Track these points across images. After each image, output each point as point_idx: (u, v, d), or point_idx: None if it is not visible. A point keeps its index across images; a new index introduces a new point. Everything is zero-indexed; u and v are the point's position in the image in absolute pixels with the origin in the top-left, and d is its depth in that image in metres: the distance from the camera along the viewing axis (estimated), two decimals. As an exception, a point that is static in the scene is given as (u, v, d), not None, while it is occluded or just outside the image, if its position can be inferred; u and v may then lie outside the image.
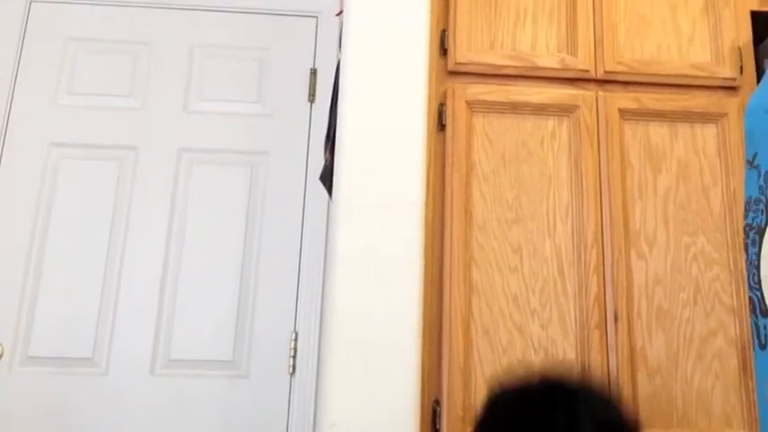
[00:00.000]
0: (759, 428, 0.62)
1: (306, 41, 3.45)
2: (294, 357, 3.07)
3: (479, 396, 2.08)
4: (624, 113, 2.36)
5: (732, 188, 2.31)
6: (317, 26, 3.47)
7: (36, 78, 3.33)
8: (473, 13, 2.41)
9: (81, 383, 3.00)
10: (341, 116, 2.33)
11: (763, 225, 0.66)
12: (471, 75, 2.38)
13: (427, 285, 2.19)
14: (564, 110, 2.35)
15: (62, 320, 3.05)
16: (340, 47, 2.57)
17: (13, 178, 3.18)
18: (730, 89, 2.43)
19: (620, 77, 2.41)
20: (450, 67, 2.37)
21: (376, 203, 2.23)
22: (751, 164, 0.68)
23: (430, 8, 2.41)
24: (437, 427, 2.08)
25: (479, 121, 2.32)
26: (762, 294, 0.64)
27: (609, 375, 2.15)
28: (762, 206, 0.66)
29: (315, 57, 3.43)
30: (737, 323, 2.21)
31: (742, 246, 2.18)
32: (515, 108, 2.34)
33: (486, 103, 2.33)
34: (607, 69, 2.40)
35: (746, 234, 0.66)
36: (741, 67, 2.43)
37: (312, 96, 3.36)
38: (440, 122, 2.33)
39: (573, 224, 2.26)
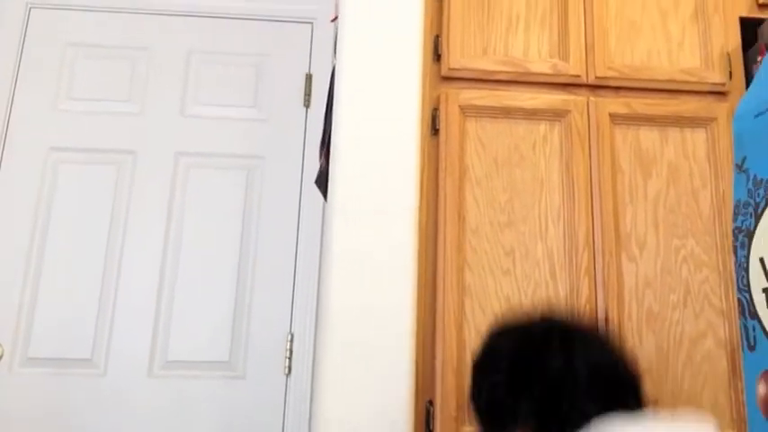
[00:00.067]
0: (748, 429, 0.62)
1: (301, 47, 3.45)
2: (290, 358, 3.06)
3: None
4: (615, 118, 2.36)
5: (721, 192, 2.31)
6: (312, 32, 3.46)
7: (36, 83, 3.32)
8: (466, 19, 2.41)
9: (80, 384, 2.99)
10: (336, 121, 2.32)
11: (751, 228, 0.65)
12: (464, 80, 2.37)
13: (421, 288, 2.19)
14: (556, 115, 2.35)
15: (61, 322, 3.04)
16: (335, 52, 2.57)
17: (13, 182, 3.17)
18: (720, 94, 2.43)
19: (611, 83, 2.40)
20: (444, 72, 2.37)
21: (370, 207, 2.22)
22: (740, 168, 0.67)
23: (423, 14, 2.41)
24: (431, 427, 2.07)
25: (472, 126, 2.32)
26: (750, 296, 0.63)
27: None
28: (750, 209, 0.65)
29: (310, 62, 3.42)
30: (727, 325, 2.21)
31: (731, 248, 2.18)
32: (508, 113, 2.33)
33: (478, 107, 2.33)
34: (598, 75, 2.39)
35: (735, 237, 0.66)
36: (730, 73, 2.43)
37: (307, 101, 3.36)
38: (433, 127, 2.32)
39: (564, 227, 2.26)
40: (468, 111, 2.32)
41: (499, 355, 1.51)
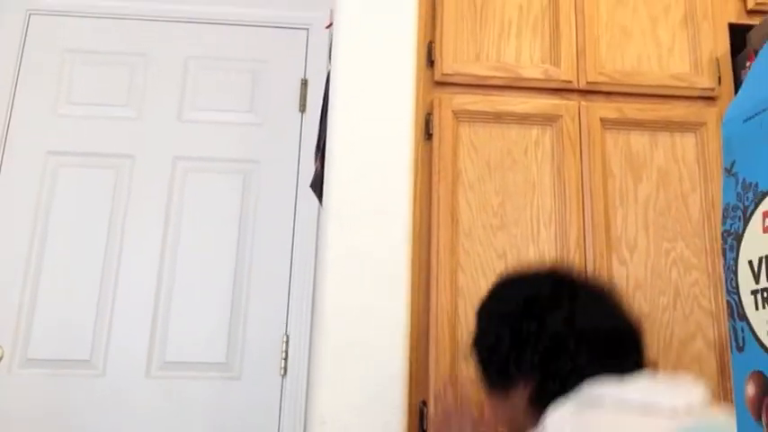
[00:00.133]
0: (737, 429, 0.62)
1: (297, 53, 3.45)
2: (285, 359, 3.06)
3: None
4: (606, 123, 2.36)
5: (711, 195, 2.30)
6: (307, 38, 3.46)
7: (35, 88, 3.32)
8: (459, 25, 2.40)
9: (79, 385, 3.00)
10: (331, 126, 2.32)
11: (740, 231, 0.65)
12: (457, 85, 2.37)
13: (415, 290, 2.18)
14: (547, 119, 2.34)
15: (60, 324, 3.05)
16: (330, 58, 2.57)
17: (12, 185, 3.17)
18: (709, 99, 2.42)
19: (602, 88, 2.40)
20: (437, 77, 2.36)
21: (365, 210, 2.22)
22: (729, 171, 0.67)
23: (417, 21, 2.41)
24: (424, 427, 2.07)
25: (465, 131, 2.31)
26: (739, 298, 0.63)
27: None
28: (739, 213, 0.65)
29: (305, 68, 3.43)
30: (716, 326, 2.21)
31: (720, 251, 2.18)
32: (500, 117, 2.33)
33: (471, 112, 2.33)
34: (589, 80, 2.39)
35: (724, 240, 0.65)
36: (719, 78, 2.42)
37: (303, 106, 3.36)
38: (427, 132, 2.32)
39: (556, 230, 2.25)
40: (461, 115, 2.32)
41: (506, 306, 1.52)
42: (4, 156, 3.22)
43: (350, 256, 2.18)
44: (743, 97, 0.68)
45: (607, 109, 2.37)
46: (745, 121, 0.66)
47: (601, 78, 2.40)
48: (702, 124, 2.37)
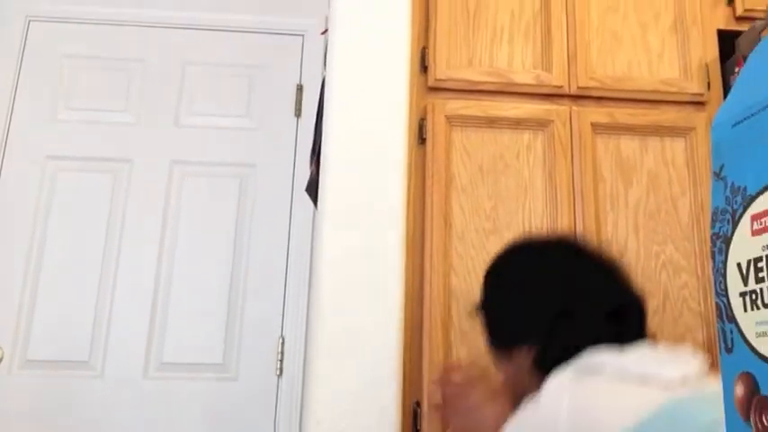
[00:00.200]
0: (726, 430, 0.61)
1: (293, 59, 3.45)
2: (281, 360, 3.06)
3: (458, 398, 2.07)
4: (596, 127, 2.35)
5: (700, 199, 2.30)
6: (303, 44, 3.47)
7: (35, 93, 3.32)
8: (452, 31, 2.40)
9: (77, 385, 3.00)
10: (326, 130, 2.31)
11: (729, 234, 0.64)
12: (450, 90, 2.37)
13: (408, 292, 2.18)
14: (539, 124, 2.34)
15: (59, 325, 3.05)
16: (325, 64, 2.56)
17: (12, 189, 3.17)
18: (698, 104, 2.42)
19: (592, 93, 2.40)
20: (431, 83, 2.36)
21: (359, 213, 2.21)
22: (718, 175, 0.66)
23: (411, 27, 2.40)
24: (418, 427, 2.06)
25: (458, 135, 2.31)
26: (728, 300, 0.63)
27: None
28: (728, 216, 0.65)
29: (301, 73, 3.43)
30: (705, 328, 2.21)
31: (709, 254, 2.18)
32: (492, 122, 2.33)
33: (464, 117, 2.32)
34: (580, 85, 2.39)
35: (713, 243, 0.65)
36: (708, 84, 2.42)
37: (298, 111, 3.36)
38: (420, 136, 2.31)
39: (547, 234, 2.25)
40: (454, 120, 2.32)
41: (515, 273, 1.55)
42: (4, 160, 3.21)
43: (344, 258, 2.18)
44: (732, 102, 0.68)
45: (598, 114, 2.37)
46: (734, 125, 0.66)
47: (592, 84, 2.39)
48: (692, 129, 2.37)
